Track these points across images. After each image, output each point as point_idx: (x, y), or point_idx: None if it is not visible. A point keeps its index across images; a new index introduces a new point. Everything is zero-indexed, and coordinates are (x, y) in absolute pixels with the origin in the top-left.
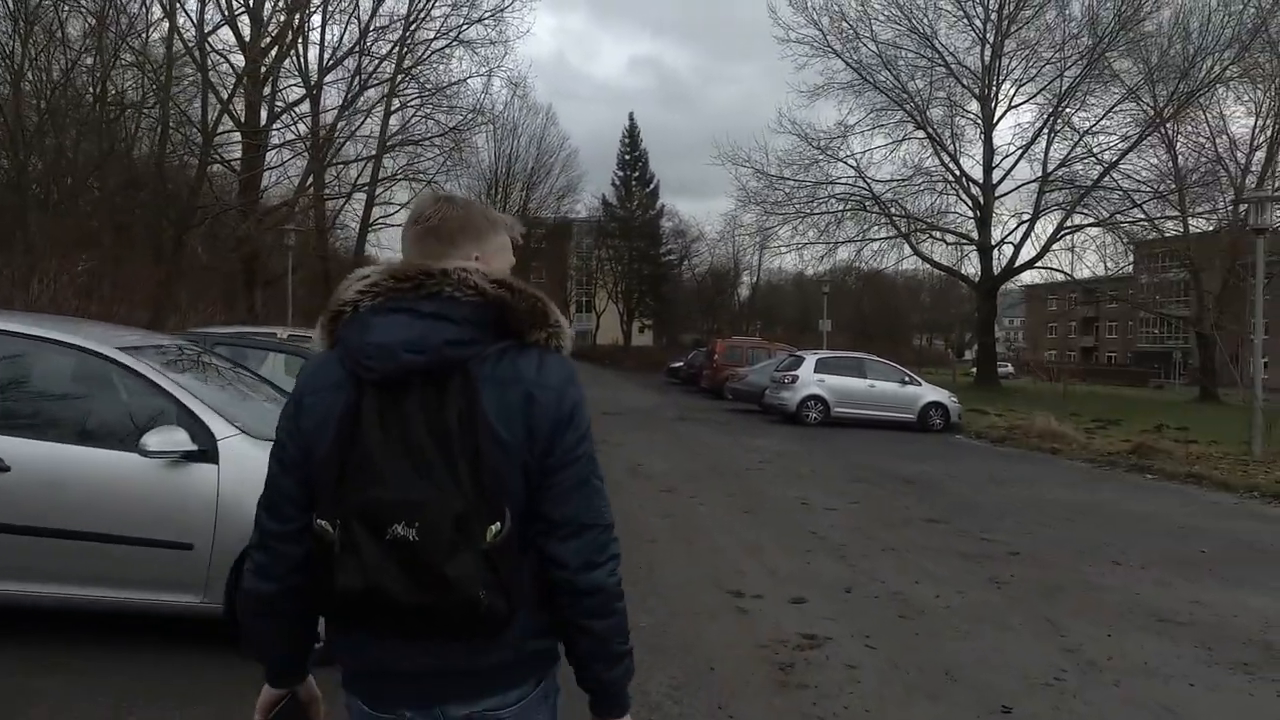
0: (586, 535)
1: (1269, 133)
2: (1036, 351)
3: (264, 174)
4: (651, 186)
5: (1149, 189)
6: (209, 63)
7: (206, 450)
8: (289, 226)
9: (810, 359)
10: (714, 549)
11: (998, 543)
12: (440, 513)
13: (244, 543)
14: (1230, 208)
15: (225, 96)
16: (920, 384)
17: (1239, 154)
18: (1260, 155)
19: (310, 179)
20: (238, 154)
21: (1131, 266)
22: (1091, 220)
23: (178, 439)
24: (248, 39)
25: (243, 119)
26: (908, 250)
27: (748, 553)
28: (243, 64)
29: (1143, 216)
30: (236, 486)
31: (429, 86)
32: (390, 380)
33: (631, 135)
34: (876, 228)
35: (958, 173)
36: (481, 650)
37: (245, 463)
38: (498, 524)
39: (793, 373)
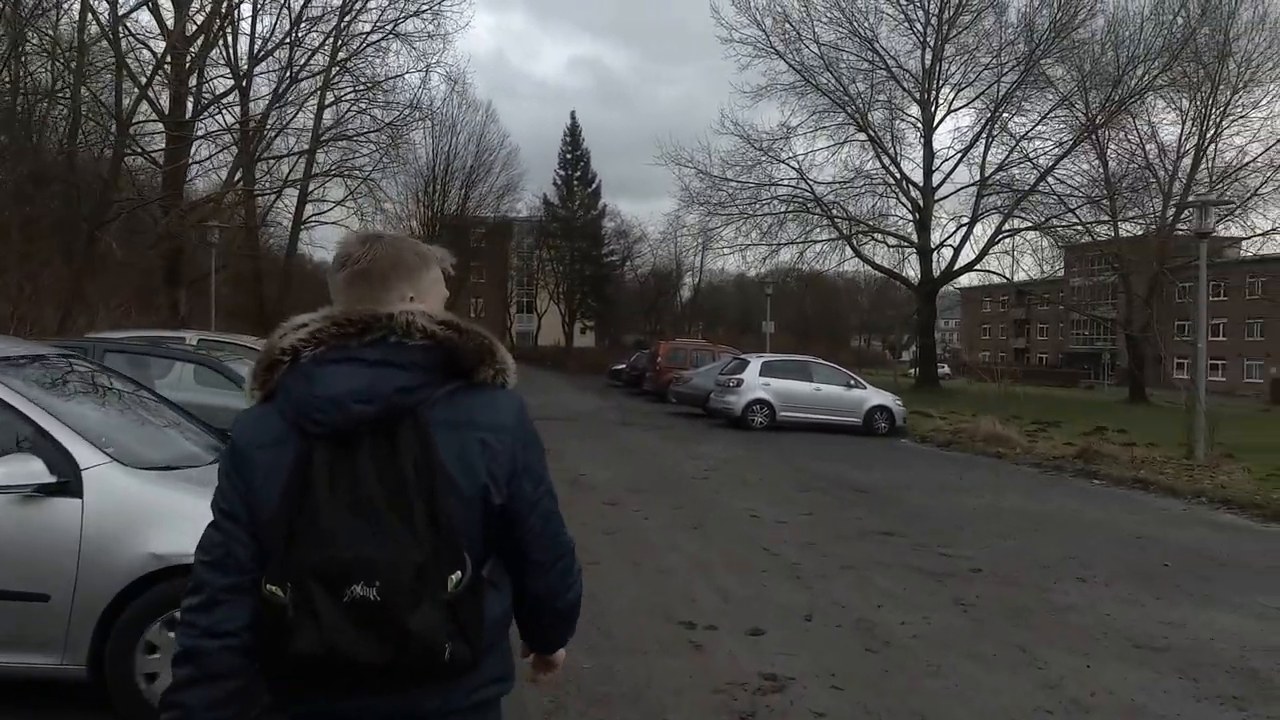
0: (561, 564)
1: (1195, 140)
2: (971, 353)
3: (190, 168)
4: (593, 186)
5: (1082, 194)
6: (125, 46)
7: (68, 482)
8: (213, 223)
9: (755, 362)
10: (662, 570)
11: (957, 558)
12: (400, 568)
13: (114, 590)
14: (1159, 213)
15: (143, 83)
16: (865, 387)
17: (1167, 160)
18: (1187, 162)
19: (239, 174)
20: (161, 147)
21: (1063, 270)
22: (1029, 224)
23: (30, 469)
24: (171, 26)
25: (167, 110)
26: (849, 252)
27: (698, 574)
28: (165, 51)
29: (1076, 221)
30: (105, 524)
31: (364, 81)
32: (340, 433)
33: (573, 134)
34: (819, 229)
35: (898, 175)
36: (441, 697)
37: (116, 496)
38: (458, 573)
39: (737, 376)
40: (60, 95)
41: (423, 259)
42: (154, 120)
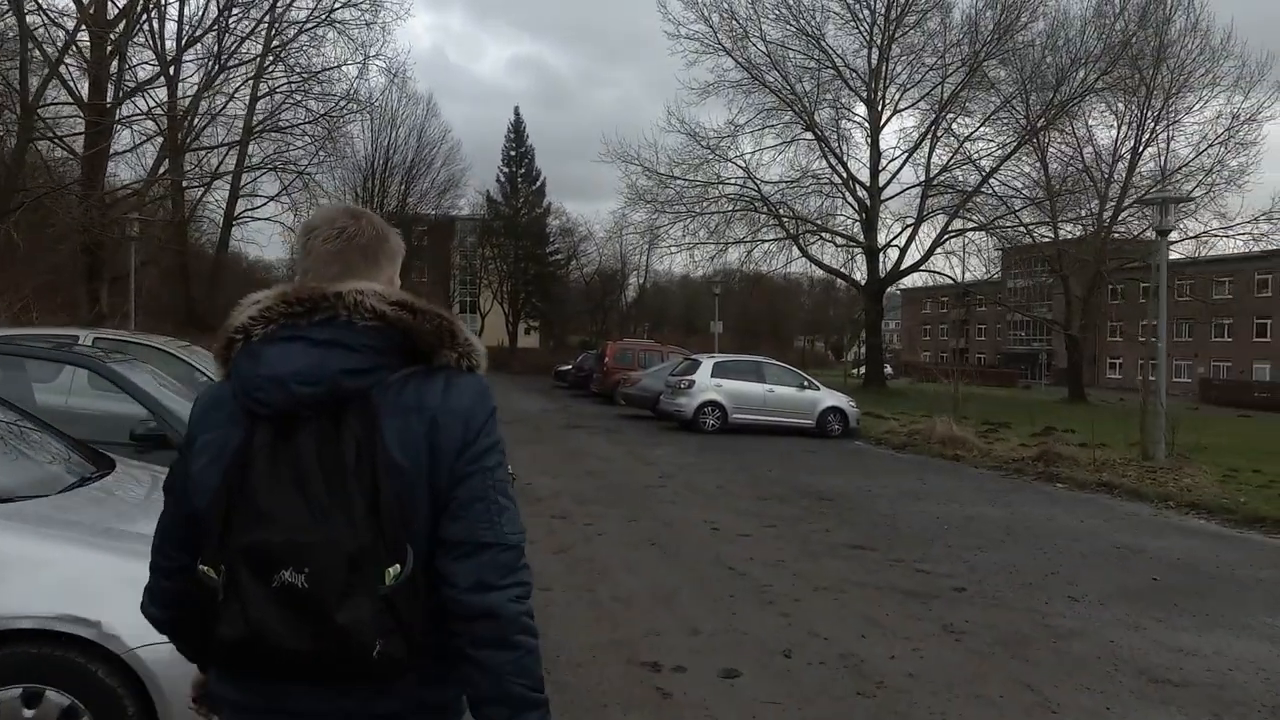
0: (485, 555)
1: (1131, 144)
2: (913, 353)
3: (113, 158)
4: (538, 184)
5: (1024, 196)
6: (37, 23)
7: None
8: (133, 215)
9: (707, 363)
10: (619, 598)
11: (937, 575)
12: (331, 555)
13: None
14: (1095, 215)
15: (54, 62)
16: (819, 388)
17: (1103, 164)
18: (1123, 166)
19: (165, 163)
20: (79, 131)
21: (1000, 272)
22: (973, 225)
23: None
24: (87, 3)
25: (87, 98)
26: (796, 252)
27: (660, 602)
28: (84, 33)
29: (1018, 223)
30: None
31: (300, 71)
32: (283, 414)
33: (517, 130)
34: (766, 229)
35: (845, 175)
36: (374, 697)
37: None
38: (398, 565)
39: (689, 377)
40: None
41: (400, 245)
42: (69, 103)
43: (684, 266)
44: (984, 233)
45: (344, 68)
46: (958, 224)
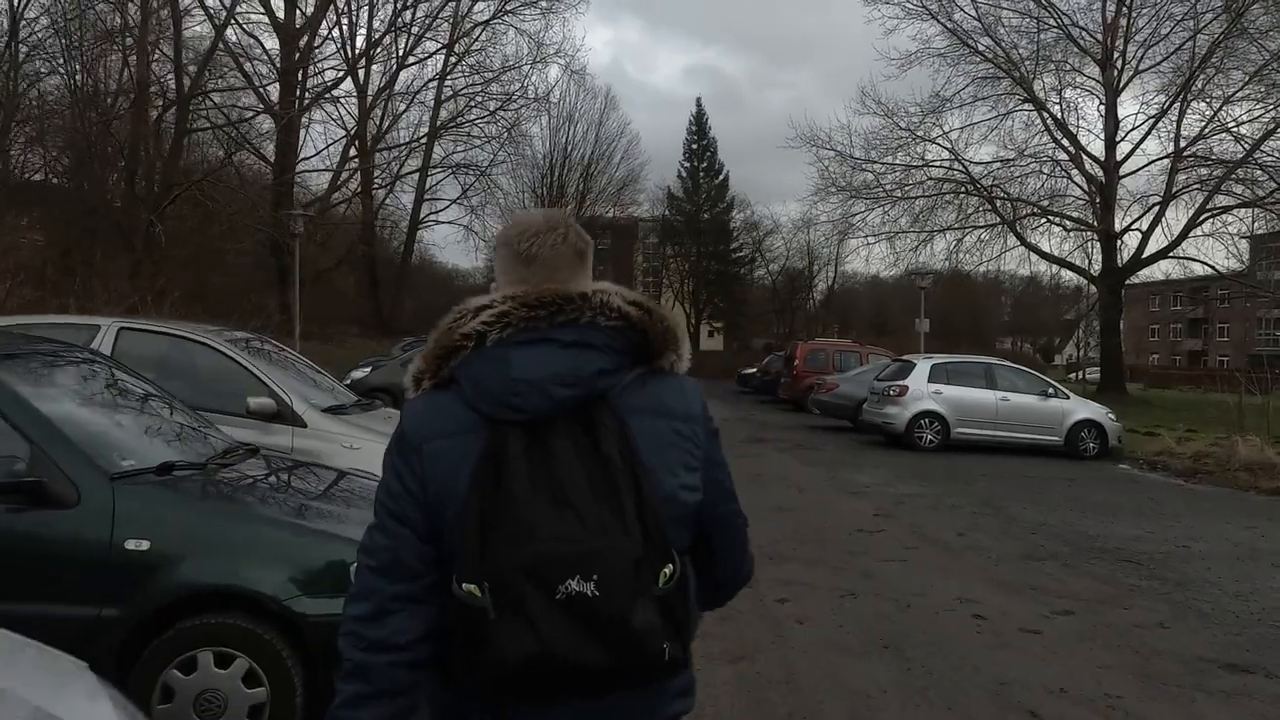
0: (741, 539)
1: None
2: (1140, 356)
3: (299, 157)
4: (721, 177)
5: None
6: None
7: None
8: (309, 214)
9: (922, 365)
10: None
11: None
12: (620, 560)
13: None
14: None
15: (208, 50)
16: (1068, 397)
17: None
18: None
19: (354, 157)
20: (261, 135)
21: (1248, 261)
22: (1235, 203)
23: None
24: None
25: (276, 101)
26: (1012, 241)
27: None
28: (273, 38)
29: None
30: None
31: (479, 71)
32: (537, 420)
33: (699, 123)
34: (978, 214)
35: (1073, 150)
36: (641, 707)
37: None
38: (670, 567)
39: (900, 382)
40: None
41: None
42: (239, 86)
43: (880, 261)
44: (1260, 208)
45: (522, 67)
46: (1220, 200)
